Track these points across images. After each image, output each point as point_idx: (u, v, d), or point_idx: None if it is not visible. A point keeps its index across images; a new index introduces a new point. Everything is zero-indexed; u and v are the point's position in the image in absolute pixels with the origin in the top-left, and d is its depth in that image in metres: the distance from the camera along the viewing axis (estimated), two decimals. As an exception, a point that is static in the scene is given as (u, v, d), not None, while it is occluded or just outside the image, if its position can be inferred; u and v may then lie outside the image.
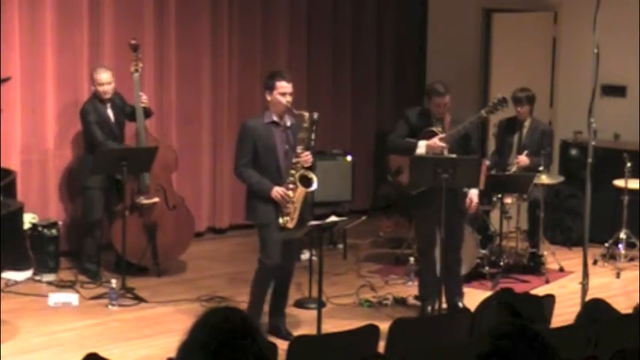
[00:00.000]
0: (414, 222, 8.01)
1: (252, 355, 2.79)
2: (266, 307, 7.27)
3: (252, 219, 7.25)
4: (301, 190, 6.97)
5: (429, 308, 7.67)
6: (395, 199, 10.20)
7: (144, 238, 8.65)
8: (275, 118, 7.00)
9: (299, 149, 6.97)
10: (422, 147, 7.50)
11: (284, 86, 6.95)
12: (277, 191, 6.93)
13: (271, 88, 6.97)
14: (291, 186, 6.96)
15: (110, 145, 8.40)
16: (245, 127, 7.06)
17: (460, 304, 7.63)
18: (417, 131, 7.59)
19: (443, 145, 7.45)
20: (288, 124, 7.04)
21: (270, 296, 7.27)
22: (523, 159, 8.89)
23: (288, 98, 6.94)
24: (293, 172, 6.97)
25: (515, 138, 9.16)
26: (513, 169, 8.94)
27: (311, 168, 7.03)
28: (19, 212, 7.44)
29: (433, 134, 7.54)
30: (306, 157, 6.97)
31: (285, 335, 7.01)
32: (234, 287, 8.27)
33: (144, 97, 8.63)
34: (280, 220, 6.98)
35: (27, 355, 6.83)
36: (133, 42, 8.65)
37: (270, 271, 7.08)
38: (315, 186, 7.03)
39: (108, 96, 8.51)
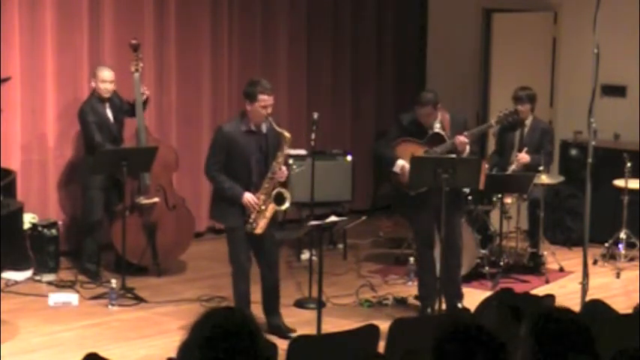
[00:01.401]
0: (412, 222, 7.99)
1: (253, 355, 2.79)
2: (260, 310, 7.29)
3: (222, 222, 7.41)
4: (273, 207, 7.05)
5: (429, 309, 7.67)
6: (394, 198, 10.15)
7: (144, 238, 8.65)
8: (252, 127, 7.04)
9: (276, 167, 7.03)
10: (397, 167, 7.52)
11: (266, 99, 6.97)
12: (248, 199, 7.00)
13: (253, 98, 6.98)
14: (262, 197, 7.02)
15: (108, 147, 8.39)
16: (221, 133, 7.11)
17: (459, 305, 7.63)
18: (411, 135, 7.58)
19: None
20: (264, 131, 7.08)
21: (261, 297, 7.29)
22: (523, 156, 8.89)
23: (269, 110, 6.99)
24: (267, 184, 7.03)
25: (517, 137, 9.15)
26: (513, 167, 8.94)
27: (285, 182, 7.15)
28: (19, 212, 7.44)
29: (439, 137, 7.52)
30: (282, 174, 7.07)
31: (285, 333, 7.02)
32: (234, 287, 8.27)
33: (146, 92, 8.62)
34: (247, 227, 7.04)
35: (27, 355, 6.83)
36: (133, 42, 8.65)
37: (242, 273, 7.15)
38: (287, 205, 7.11)
39: (108, 95, 8.50)
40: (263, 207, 7.02)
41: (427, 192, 7.41)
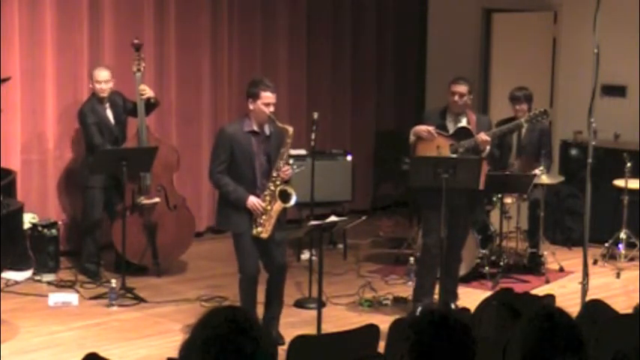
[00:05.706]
0: (426, 220, 7.83)
1: (255, 355, 2.79)
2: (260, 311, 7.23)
3: (226, 227, 7.28)
4: (279, 205, 6.93)
5: (419, 310, 7.60)
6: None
7: (144, 238, 8.65)
8: (255, 128, 6.92)
9: (280, 163, 6.90)
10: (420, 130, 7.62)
11: (269, 97, 6.86)
12: (253, 202, 6.85)
13: (255, 97, 6.86)
14: (268, 198, 6.90)
15: (108, 147, 8.39)
16: (223, 134, 6.98)
17: (453, 306, 7.59)
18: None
19: None
20: (268, 133, 6.96)
21: (264, 301, 7.16)
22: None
23: (272, 109, 6.87)
24: (271, 185, 6.90)
25: (514, 138, 9.13)
26: (512, 168, 8.93)
27: (288, 181, 6.99)
28: (19, 212, 7.44)
29: (466, 131, 7.52)
30: (286, 172, 6.93)
31: (276, 340, 6.91)
32: (234, 287, 8.23)
33: (146, 91, 8.58)
34: (254, 231, 6.90)
35: (27, 355, 6.83)
36: (135, 41, 8.65)
37: (249, 279, 6.99)
38: (293, 202, 6.97)
39: (104, 94, 8.50)
40: (269, 207, 6.89)
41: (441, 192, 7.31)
